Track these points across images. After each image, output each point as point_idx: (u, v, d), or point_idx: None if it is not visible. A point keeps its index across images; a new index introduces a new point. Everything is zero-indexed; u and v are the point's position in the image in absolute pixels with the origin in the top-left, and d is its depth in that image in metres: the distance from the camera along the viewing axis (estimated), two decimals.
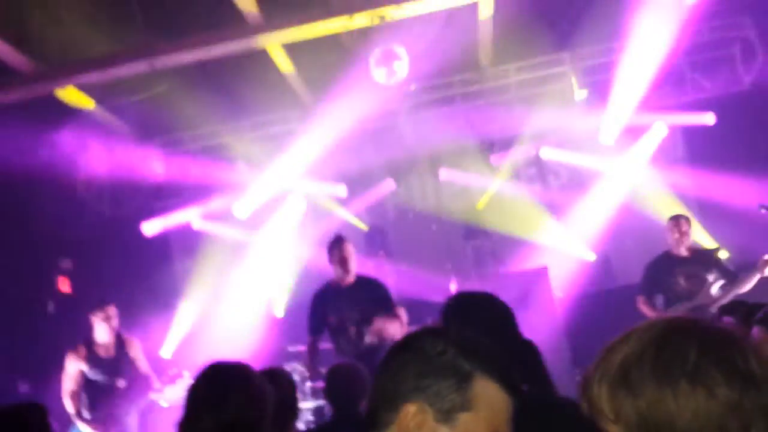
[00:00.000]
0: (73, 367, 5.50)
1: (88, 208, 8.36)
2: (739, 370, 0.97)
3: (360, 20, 6.10)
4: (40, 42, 5.96)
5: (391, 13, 6.02)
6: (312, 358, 5.42)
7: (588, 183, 8.44)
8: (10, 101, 6.43)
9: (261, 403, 2.18)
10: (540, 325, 6.40)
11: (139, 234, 8.44)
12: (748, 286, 5.53)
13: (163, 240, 8.66)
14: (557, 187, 8.72)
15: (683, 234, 5.77)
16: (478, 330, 2.06)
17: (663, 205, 7.59)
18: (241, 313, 8.45)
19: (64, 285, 8.43)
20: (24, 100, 6.44)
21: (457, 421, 1.19)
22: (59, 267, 8.36)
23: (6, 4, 5.58)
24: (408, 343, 1.31)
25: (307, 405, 6.05)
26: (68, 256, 8.36)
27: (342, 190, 8.64)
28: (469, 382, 1.21)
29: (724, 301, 5.40)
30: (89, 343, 5.61)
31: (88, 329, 5.63)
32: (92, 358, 5.56)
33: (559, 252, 8.26)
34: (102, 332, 5.60)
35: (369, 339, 5.12)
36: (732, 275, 5.66)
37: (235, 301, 8.55)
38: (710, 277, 5.67)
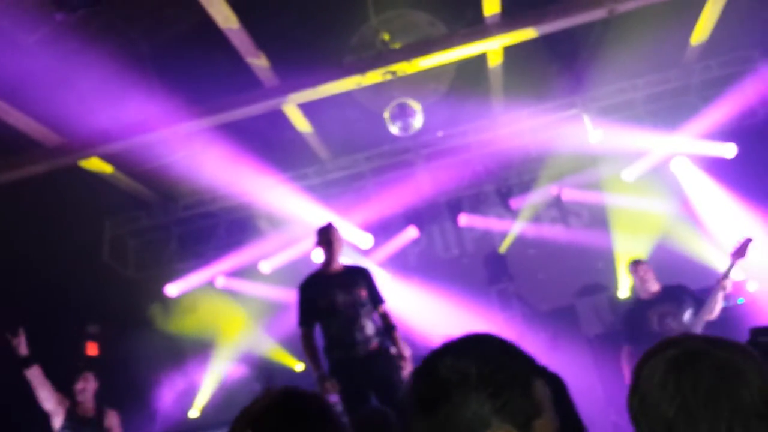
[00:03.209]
0: (55, 407, 5.55)
1: (113, 272, 8.45)
2: None
3: (372, 77, 6.21)
4: (63, 115, 6.12)
5: (402, 68, 6.12)
6: (312, 354, 4.98)
7: (611, 221, 8.40)
8: (35, 173, 6.58)
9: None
10: (571, 365, 6.31)
11: (164, 295, 8.53)
12: (716, 309, 5.47)
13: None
14: (579, 227, 8.69)
15: (644, 279, 5.84)
16: None
17: (691, 240, 7.55)
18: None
19: (92, 350, 8.48)
20: (49, 170, 6.59)
21: (534, 429, 1.16)
22: (87, 332, 8.43)
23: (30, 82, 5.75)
24: (451, 370, 1.19)
25: None
26: (95, 321, 8.43)
27: (368, 240, 8.65)
28: (530, 386, 1.18)
29: (697, 329, 5.34)
30: (73, 401, 5.72)
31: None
32: (72, 411, 5.64)
33: (589, 290, 8.21)
34: (82, 397, 5.73)
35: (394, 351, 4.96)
36: (702, 302, 5.61)
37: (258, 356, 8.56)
38: (684, 311, 5.63)
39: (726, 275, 5.42)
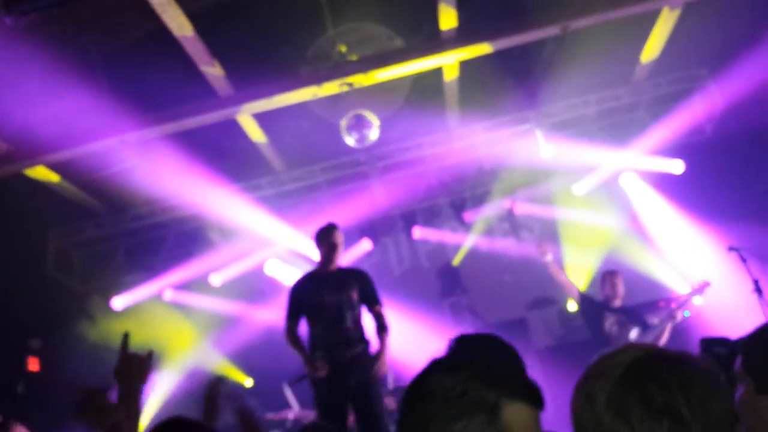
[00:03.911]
0: None
1: (57, 285, 8.18)
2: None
3: (329, 88, 6.19)
4: (9, 122, 5.91)
5: (359, 80, 6.12)
6: (296, 342, 4.97)
7: (561, 236, 8.54)
8: None
9: None
10: None
11: (109, 309, 8.29)
12: (664, 337, 5.82)
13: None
14: (531, 240, 8.80)
15: (616, 289, 6.16)
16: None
17: (639, 254, 7.72)
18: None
19: (33, 365, 8.18)
20: None
21: None
22: (28, 347, 8.13)
23: None
24: (423, 389, 1.24)
25: None
26: (37, 335, 8.13)
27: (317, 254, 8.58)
28: (498, 412, 1.18)
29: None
30: None
31: None
32: None
33: (539, 303, 8.32)
34: None
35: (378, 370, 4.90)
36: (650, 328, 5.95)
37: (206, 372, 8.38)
38: (632, 329, 5.97)
39: (679, 307, 5.67)
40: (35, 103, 5.44)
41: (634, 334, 5.90)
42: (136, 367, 2.13)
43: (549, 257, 6.23)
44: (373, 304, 5.09)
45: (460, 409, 1.18)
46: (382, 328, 5.02)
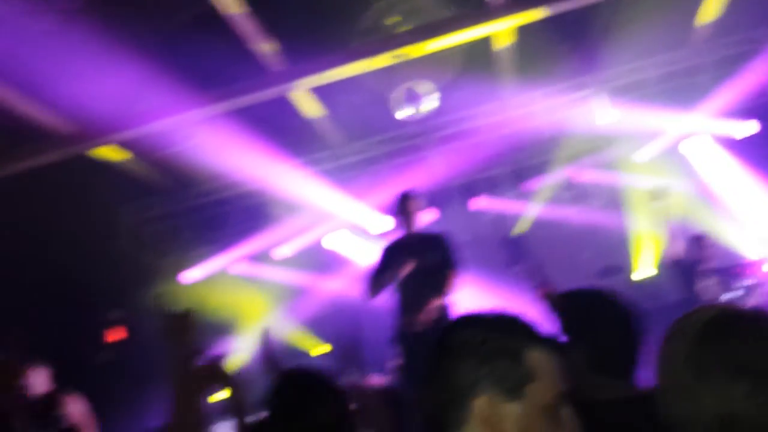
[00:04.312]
0: None
1: (130, 260, 8.55)
2: None
3: (381, 60, 6.18)
4: (76, 103, 6.16)
5: (410, 51, 6.08)
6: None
7: (626, 202, 8.33)
8: (50, 162, 6.66)
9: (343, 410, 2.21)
10: None
11: (179, 282, 8.63)
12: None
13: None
14: (595, 208, 8.62)
15: (707, 252, 6.25)
16: (603, 329, 2.08)
17: (708, 219, 7.47)
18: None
19: (112, 336, 8.59)
20: (63, 159, 6.66)
21: (525, 393, 1.24)
22: (107, 319, 8.54)
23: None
24: (448, 342, 1.33)
25: None
26: (114, 308, 8.53)
27: (383, 223, 8.67)
28: (521, 356, 1.26)
29: None
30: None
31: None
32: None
33: (608, 272, 8.17)
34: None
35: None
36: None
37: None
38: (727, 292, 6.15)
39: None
40: (98, 84, 5.64)
41: (727, 296, 5.78)
42: (179, 325, 2.11)
43: None
44: (451, 269, 5.09)
45: (485, 355, 1.26)
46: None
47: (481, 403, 1.24)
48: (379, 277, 5.17)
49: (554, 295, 3.05)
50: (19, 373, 2.80)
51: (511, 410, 1.23)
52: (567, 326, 2.25)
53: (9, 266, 6.24)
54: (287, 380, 2.30)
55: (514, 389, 1.24)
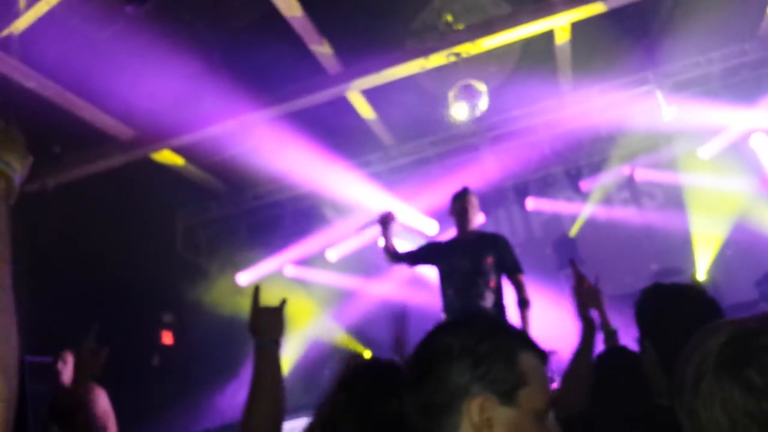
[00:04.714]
0: None
1: (186, 262, 8.67)
2: None
3: (436, 59, 6.13)
4: (135, 108, 6.28)
5: (466, 49, 6.02)
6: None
7: (687, 202, 8.09)
8: (110, 167, 6.80)
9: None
10: None
11: (235, 284, 8.71)
12: None
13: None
14: (653, 208, 8.40)
15: None
16: (682, 324, 1.91)
17: None
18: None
19: (167, 338, 8.72)
20: (123, 164, 6.80)
21: (519, 398, 1.22)
22: (162, 321, 8.67)
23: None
24: (439, 344, 1.30)
25: None
26: (170, 310, 8.66)
27: (434, 226, 8.60)
28: (515, 358, 1.25)
29: None
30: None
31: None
32: None
33: (667, 273, 7.93)
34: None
35: None
36: None
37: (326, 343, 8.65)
38: None
39: None
40: (157, 89, 5.74)
41: None
42: (270, 318, 2.09)
43: None
44: (513, 273, 4.88)
45: (479, 357, 1.23)
46: (522, 302, 4.80)
47: (474, 407, 1.21)
48: (400, 254, 5.14)
49: (591, 290, 2.96)
50: (100, 364, 2.82)
51: (504, 414, 1.21)
52: (643, 323, 2.17)
53: (75, 266, 6.36)
54: (363, 369, 2.27)
55: (507, 393, 1.22)
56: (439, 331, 1.33)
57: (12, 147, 0.87)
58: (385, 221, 5.16)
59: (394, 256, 5.16)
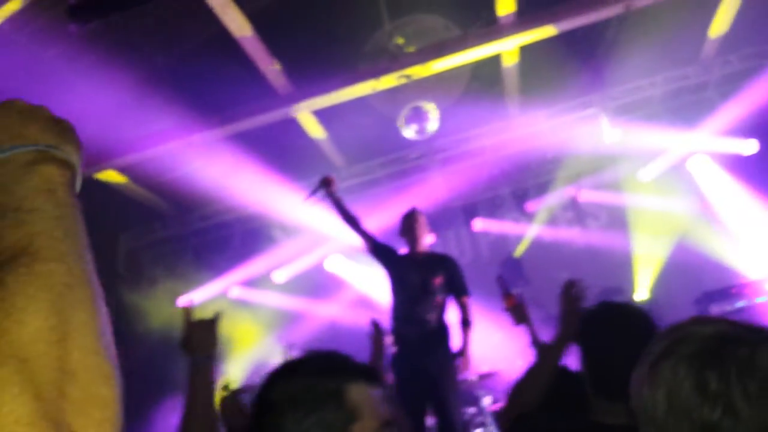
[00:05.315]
0: None
1: (128, 285, 8.41)
2: None
3: (387, 81, 6.16)
4: (79, 128, 6.08)
5: (417, 71, 6.07)
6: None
7: (630, 223, 8.32)
8: None
9: None
10: None
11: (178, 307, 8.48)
12: None
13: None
14: (597, 228, 8.60)
15: None
16: (624, 341, 1.97)
17: (711, 239, 7.46)
18: None
19: None
20: None
21: None
22: None
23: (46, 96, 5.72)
24: (267, 401, 1.31)
25: None
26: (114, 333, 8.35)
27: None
28: (342, 396, 1.26)
29: None
30: None
31: None
32: None
33: (608, 293, 8.09)
34: None
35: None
36: None
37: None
38: None
39: None
40: (102, 109, 5.60)
41: None
42: (202, 334, 2.05)
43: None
44: (460, 294, 4.98)
45: (309, 405, 1.25)
46: (465, 322, 4.90)
47: None
48: (361, 226, 5.15)
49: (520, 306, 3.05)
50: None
51: None
52: (581, 341, 2.20)
53: None
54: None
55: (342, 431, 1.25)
56: (273, 379, 1.35)
57: (69, 137, 0.83)
58: (327, 184, 5.16)
59: (351, 220, 5.15)
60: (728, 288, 6.81)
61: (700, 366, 1.05)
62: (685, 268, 7.62)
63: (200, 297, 8.67)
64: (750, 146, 7.54)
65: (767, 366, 1.03)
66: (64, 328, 0.62)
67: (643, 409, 1.12)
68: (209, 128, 6.38)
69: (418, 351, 4.82)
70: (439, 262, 5.12)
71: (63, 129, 0.82)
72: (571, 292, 2.55)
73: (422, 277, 4.93)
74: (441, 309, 4.95)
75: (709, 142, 7.62)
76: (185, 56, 6.15)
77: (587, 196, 8.44)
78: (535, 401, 2.37)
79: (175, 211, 8.46)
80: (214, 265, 8.80)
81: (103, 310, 0.70)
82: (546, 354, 2.52)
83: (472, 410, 6.13)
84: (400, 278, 5.00)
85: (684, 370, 1.06)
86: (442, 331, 4.94)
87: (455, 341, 4.93)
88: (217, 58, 5.88)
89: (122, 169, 6.97)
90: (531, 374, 2.50)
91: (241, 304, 8.91)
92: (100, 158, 6.51)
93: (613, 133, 7.39)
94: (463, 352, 4.81)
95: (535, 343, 3.17)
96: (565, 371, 2.52)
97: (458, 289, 5.00)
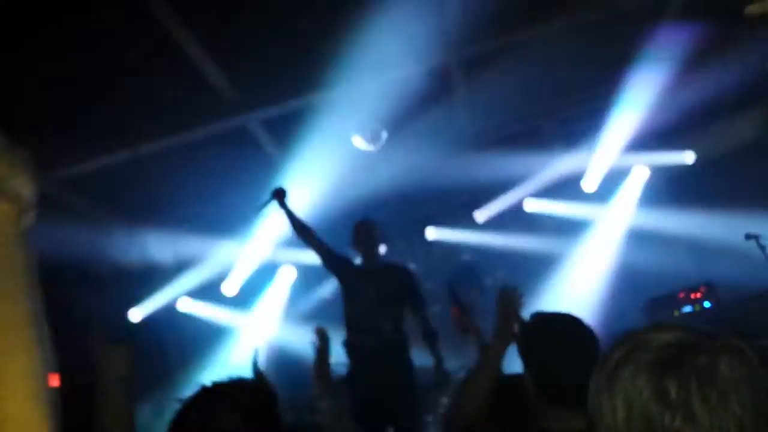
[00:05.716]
0: None
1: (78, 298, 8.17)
2: None
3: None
4: (18, 140, 5.90)
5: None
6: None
7: (576, 232, 8.49)
8: None
9: None
10: None
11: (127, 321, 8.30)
12: None
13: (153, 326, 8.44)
14: (544, 237, 8.73)
15: None
16: (562, 352, 2.03)
17: (652, 247, 7.65)
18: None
19: (53, 380, 8.16)
20: None
21: None
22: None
23: None
24: (221, 425, 1.37)
25: None
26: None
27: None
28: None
29: None
30: None
31: None
32: None
33: (553, 302, 8.22)
34: None
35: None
36: None
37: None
38: None
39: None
40: (43, 117, 5.46)
41: None
42: (113, 356, 2.02)
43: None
44: (417, 306, 4.99)
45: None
46: (428, 333, 4.88)
47: None
48: (315, 235, 5.08)
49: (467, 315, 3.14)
50: None
51: None
52: (522, 351, 2.23)
53: None
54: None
55: None
56: (217, 407, 1.40)
57: (22, 168, 0.77)
58: (279, 196, 5.08)
59: (303, 230, 5.06)
60: (674, 293, 6.93)
61: (660, 374, 1.06)
62: (631, 275, 7.78)
63: (147, 309, 8.50)
64: (687, 157, 7.80)
65: (727, 374, 1.04)
66: (1, 375, 0.59)
67: (600, 417, 1.12)
68: (154, 138, 6.27)
69: (374, 363, 4.78)
70: (395, 273, 5.11)
71: (14, 159, 0.76)
72: (506, 296, 2.59)
73: (377, 289, 4.90)
74: (398, 320, 4.93)
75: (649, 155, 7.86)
76: (130, 67, 6.01)
77: (533, 205, 8.60)
78: (475, 409, 2.37)
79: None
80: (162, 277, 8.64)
81: (46, 349, 0.67)
82: (484, 357, 2.54)
83: (430, 418, 6.14)
84: (357, 290, 4.95)
85: (643, 378, 1.07)
86: (400, 342, 4.92)
87: (418, 355, 4.92)
88: (162, 67, 5.76)
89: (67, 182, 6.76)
90: (470, 378, 2.52)
91: (190, 316, 8.79)
92: (38, 170, 6.31)
93: (559, 145, 7.54)
94: (437, 367, 4.77)
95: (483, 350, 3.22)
96: (507, 379, 2.55)
97: (415, 301, 5.00)
